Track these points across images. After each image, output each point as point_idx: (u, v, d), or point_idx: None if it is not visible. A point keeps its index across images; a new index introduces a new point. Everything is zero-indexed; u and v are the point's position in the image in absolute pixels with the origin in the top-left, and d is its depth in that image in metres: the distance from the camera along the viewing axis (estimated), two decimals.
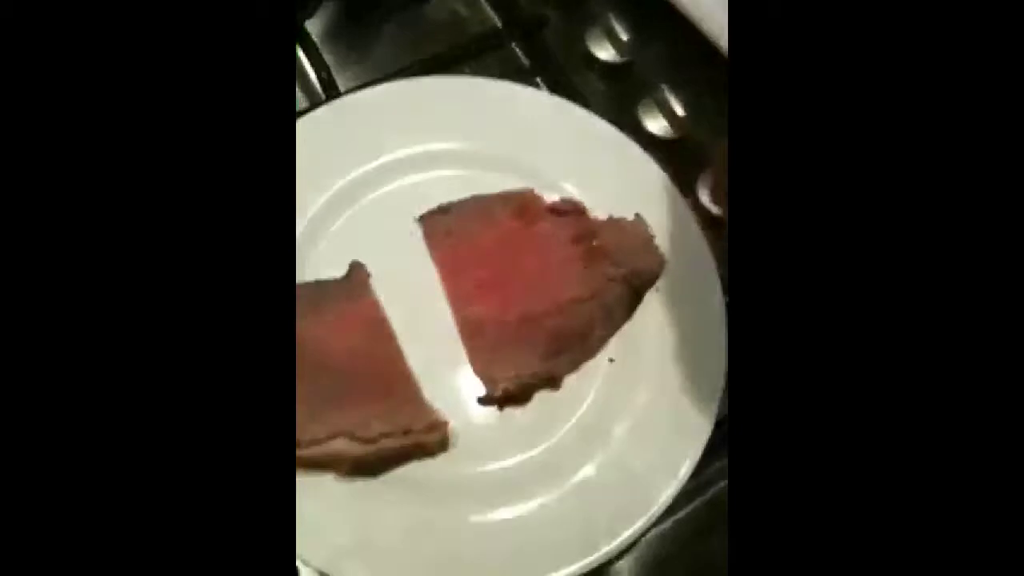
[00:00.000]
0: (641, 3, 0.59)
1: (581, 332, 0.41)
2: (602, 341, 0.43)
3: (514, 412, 0.42)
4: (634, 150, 0.49)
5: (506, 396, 0.42)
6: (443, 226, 0.45)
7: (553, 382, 0.42)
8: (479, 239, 0.44)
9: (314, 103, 0.54)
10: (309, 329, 0.42)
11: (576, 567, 0.38)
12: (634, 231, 0.44)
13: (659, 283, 0.45)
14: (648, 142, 0.55)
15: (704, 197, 0.53)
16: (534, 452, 0.41)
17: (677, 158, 0.55)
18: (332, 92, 0.53)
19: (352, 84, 0.53)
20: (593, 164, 0.47)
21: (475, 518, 0.39)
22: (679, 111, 0.56)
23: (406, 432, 0.39)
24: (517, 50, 0.60)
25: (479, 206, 0.45)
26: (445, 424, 0.41)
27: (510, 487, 0.40)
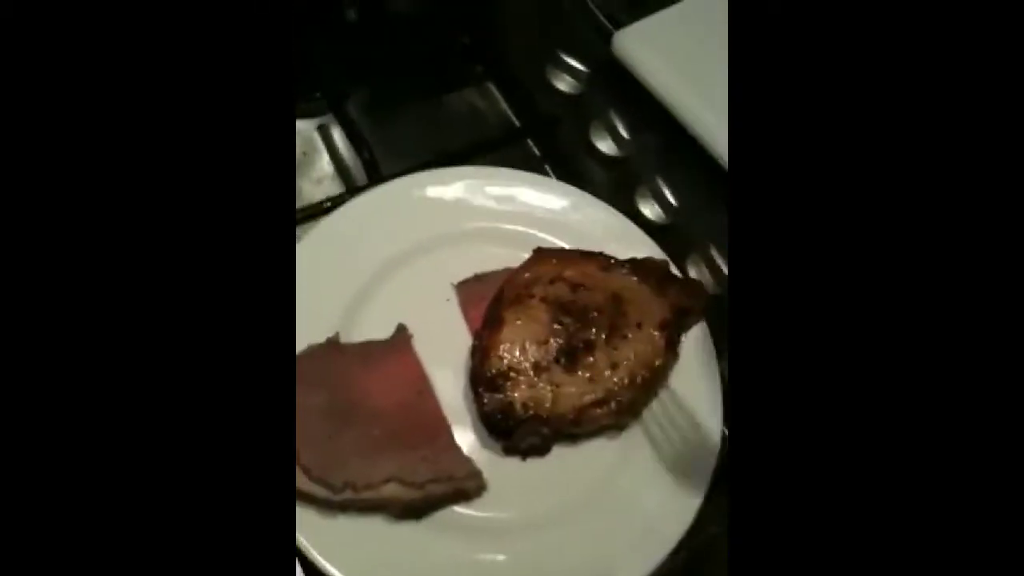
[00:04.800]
0: (637, 104, 0.68)
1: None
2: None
3: (536, 462, 0.48)
4: (644, 238, 0.56)
5: (528, 448, 0.48)
6: (477, 292, 0.51)
7: (572, 438, 0.48)
8: None
9: (356, 185, 0.61)
10: (361, 384, 0.47)
11: None
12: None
13: None
14: (644, 226, 0.63)
15: (693, 275, 0.61)
16: (555, 498, 0.47)
17: (670, 241, 0.63)
18: (375, 173, 0.60)
19: (388, 168, 0.60)
20: (608, 247, 0.54)
21: (507, 557, 0.44)
22: (671, 200, 0.64)
23: (450, 478, 0.44)
24: (530, 142, 0.68)
25: (512, 277, 0.51)
26: (480, 472, 0.46)
27: (536, 529, 0.45)
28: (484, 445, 0.48)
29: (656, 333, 0.48)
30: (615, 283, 0.50)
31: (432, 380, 0.49)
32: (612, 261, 0.51)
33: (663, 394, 0.50)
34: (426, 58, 0.71)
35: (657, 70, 0.68)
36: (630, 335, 0.48)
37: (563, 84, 0.71)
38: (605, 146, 0.68)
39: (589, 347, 0.47)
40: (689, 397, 0.49)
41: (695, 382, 0.50)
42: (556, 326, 0.47)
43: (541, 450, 0.47)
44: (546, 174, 0.66)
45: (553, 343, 0.47)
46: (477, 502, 0.46)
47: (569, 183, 0.63)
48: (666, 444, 0.48)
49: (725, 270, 0.60)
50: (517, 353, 0.47)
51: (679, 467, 0.47)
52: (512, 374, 0.46)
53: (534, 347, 0.47)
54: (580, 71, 0.71)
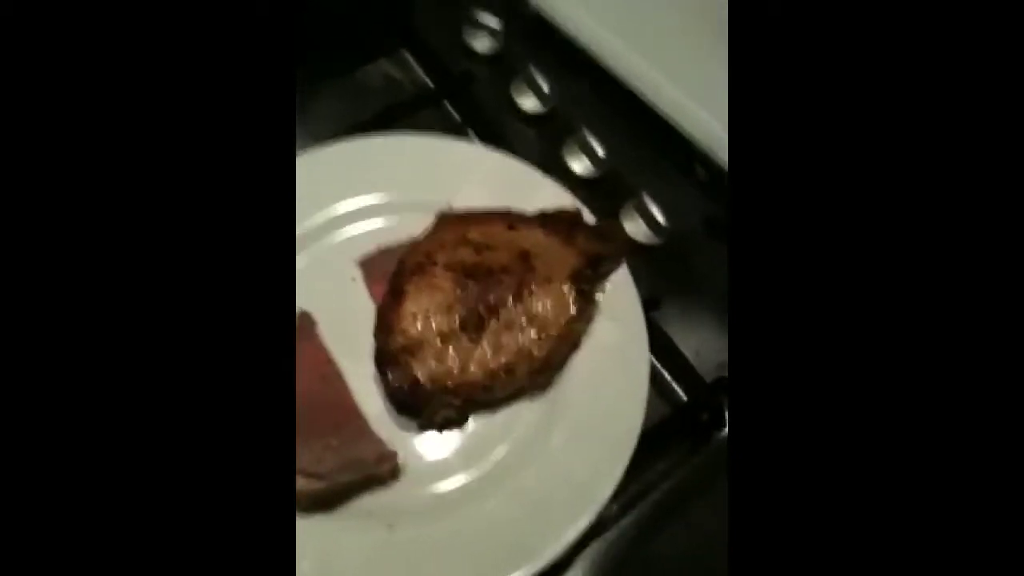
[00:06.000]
0: (559, 55, 0.65)
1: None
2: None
3: (454, 434, 0.45)
4: (555, 188, 0.53)
5: (444, 421, 0.45)
6: (381, 267, 0.48)
7: (489, 405, 0.45)
8: None
9: None
10: None
11: (529, 568, 0.40)
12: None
13: None
14: (575, 181, 0.60)
15: (628, 226, 0.58)
16: (477, 469, 0.44)
17: (601, 193, 0.59)
18: None
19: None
20: (517, 202, 0.51)
21: (429, 535, 0.41)
22: (600, 152, 0.60)
23: (358, 465, 0.42)
24: (449, 106, 0.65)
25: (414, 245, 0.48)
26: (394, 454, 0.43)
27: (460, 503, 0.43)
28: (399, 425, 0.45)
29: (566, 285, 0.45)
30: (522, 240, 0.47)
31: (341, 364, 0.46)
32: (519, 217, 0.48)
33: (585, 347, 0.46)
34: (335, 32, 0.68)
35: (579, 17, 0.65)
36: (538, 291, 0.44)
37: (480, 44, 0.68)
38: (529, 103, 0.64)
39: (496, 309, 0.44)
40: (612, 348, 0.46)
41: (618, 332, 0.47)
42: (460, 292, 0.44)
43: (457, 422, 0.45)
44: (469, 139, 0.63)
45: (459, 309, 0.44)
46: (395, 486, 0.43)
47: (493, 145, 0.60)
48: (591, 398, 0.45)
49: (660, 218, 0.57)
50: (419, 325, 0.44)
51: (607, 421, 0.44)
52: (416, 347, 0.43)
53: (439, 316, 0.44)
54: (496, 29, 0.67)
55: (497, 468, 0.43)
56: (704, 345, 0.53)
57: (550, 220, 0.48)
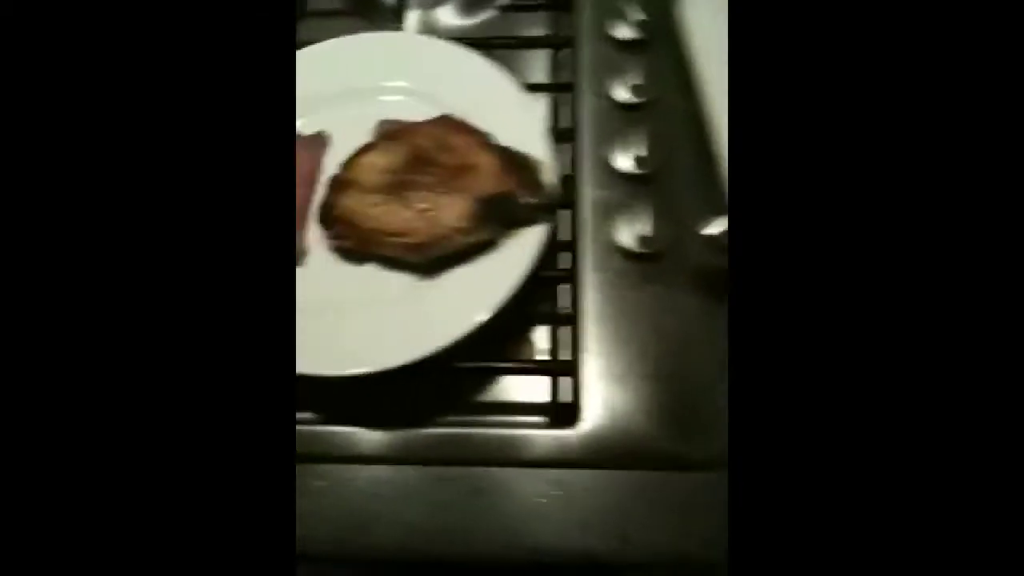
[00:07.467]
0: None
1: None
2: None
3: (359, 270, 0.57)
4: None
5: (338, 247, 0.57)
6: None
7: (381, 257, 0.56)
8: None
9: None
10: None
11: None
12: None
13: None
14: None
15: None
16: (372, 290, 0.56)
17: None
18: None
19: None
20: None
21: None
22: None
23: None
24: None
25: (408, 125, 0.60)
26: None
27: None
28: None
29: (471, 202, 0.53)
30: (473, 156, 0.55)
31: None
32: (492, 143, 0.56)
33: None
34: None
35: None
36: (450, 196, 0.54)
37: None
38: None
39: (413, 186, 0.54)
40: (475, 276, 0.54)
41: (488, 266, 0.54)
42: (404, 164, 0.55)
43: (354, 257, 0.57)
44: None
45: (393, 175, 0.55)
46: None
47: None
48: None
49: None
50: (363, 171, 0.56)
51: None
52: (349, 185, 0.56)
53: (377, 173, 0.56)
54: None
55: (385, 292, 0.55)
56: None
57: (507, 155, 0.56)
